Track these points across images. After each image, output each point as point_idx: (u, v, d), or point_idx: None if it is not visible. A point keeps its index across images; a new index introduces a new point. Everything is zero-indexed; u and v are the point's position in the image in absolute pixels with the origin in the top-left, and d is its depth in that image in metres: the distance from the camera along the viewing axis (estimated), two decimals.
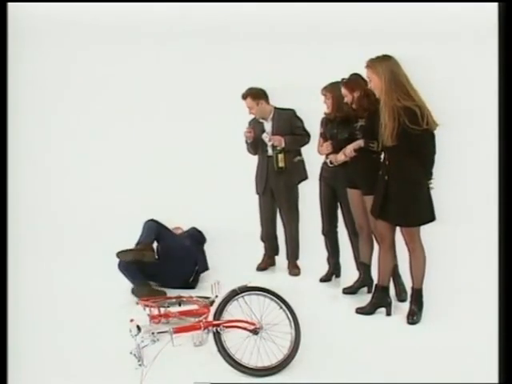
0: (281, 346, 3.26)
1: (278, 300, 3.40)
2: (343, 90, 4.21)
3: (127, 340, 3.08)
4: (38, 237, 5.91)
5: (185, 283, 4.63)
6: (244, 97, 4.94)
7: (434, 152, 3.81)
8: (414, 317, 3.86)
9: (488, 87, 5.47)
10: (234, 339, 3.22)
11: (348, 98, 4.18)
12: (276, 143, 4.83)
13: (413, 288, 3.91)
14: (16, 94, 5.24)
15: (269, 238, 5.14)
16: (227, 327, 3.21)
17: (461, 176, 6.42)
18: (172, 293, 4.32)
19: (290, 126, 4.89)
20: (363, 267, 4.44)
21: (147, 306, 3.78)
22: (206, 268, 4.86)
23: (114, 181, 6.73)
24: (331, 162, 4.46)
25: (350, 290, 4.46)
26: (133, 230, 4.82)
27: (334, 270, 4.82)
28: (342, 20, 6.48)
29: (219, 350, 3.16)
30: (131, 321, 3.12)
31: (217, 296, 3.51)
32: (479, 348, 3.42)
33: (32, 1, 6.47)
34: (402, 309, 4.05)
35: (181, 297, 4.04)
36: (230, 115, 5.31)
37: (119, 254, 4.45)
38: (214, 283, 3.59)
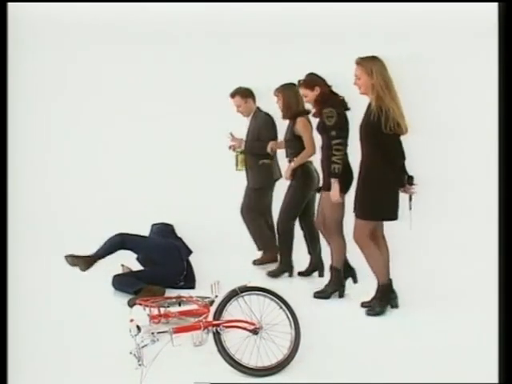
0: (281, 346, 3.26)
1: (277, 300, 3.40)
2: (303, 90, 4.34)
3: (127, 340, 3.08)
4: (37, 237, 5.91)
5: (179, 276, 4.63)
6: (233, 95, 5.14)
7: (402, 156, 3.94)
8: (371, 310, 3.99)
9: (488, 87, 5.47)
10: (234, 339, 3.22)
11: (309, 98, 4.31)
12: (236, 144, 5.11)
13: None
14: (16, 93, 5.24)
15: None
16: (227, 327, 3.21)
17: (461, 176, 6.43)
18: (172, 293, 4.32)
19: (259, 132, 5.05)
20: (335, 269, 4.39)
21: (147, 306, 3.78)
22: (189, 252, 4.84)
23: (113, 181, 6.73)
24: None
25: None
26: (132, 230, 4.82)
27: (314, 268, 4.89)
28: (339, 19, 6.50)
29: (219, 350, 3.16)
30: (131, 321, 3.12)
31: (216, 296, 3.50)
32: (479, 348, 3.42)
33: (32, 1, 6.46)
34: (400, 311, 4.06)
35: (180, 297, 4.03)
36: (229, 115, 5.34)
37: (65, 256, 4.50)
38: (214, 283, 3.59)
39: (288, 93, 4.66)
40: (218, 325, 3.18)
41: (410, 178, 3.98)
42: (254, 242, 5.25)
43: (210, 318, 3.24)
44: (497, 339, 3.22)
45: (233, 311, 3.28)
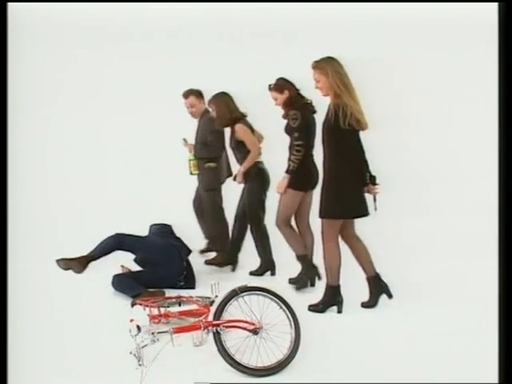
0: (281, 346, 3.26)
1: (277, 300, 3.40)
2: (273, 94, 4.50)
3: (127, 340, 3.08)
4: (37, 237, 5.91)
5: (179, 276, 4.63)
6: (186, 95, 5.21)
7: (362, 153, 3.96)
8: (315, 306, 4.07)
9: (488, 87, 5.48)
10: (234, 339, 3.22)
11: (278, 101, 4.47)
12: (188, 149, 5.24)
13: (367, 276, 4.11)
14: (16, 93, 5.24)
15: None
16: (227, 327, 3.21)
17: (461, 176, 6.44)
18: (172, 293, 4.32)
19: (205, 135, 5.13)
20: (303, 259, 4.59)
21: (147, 306, 3.78)
22: (189, 252, 4.86)
23: (113, 181, 6.73)
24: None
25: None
26: (132, 230, 4.82)
27: (267, 266, 4.95)
28: (336, 19, 6.51)
29: (219, 350, 3.15)
30: (131, 321, 3.12)
31: (216, 296, 3.50)
32: (479, 348, 3.42)
33: (32, 1, 6.46)
34: (399, 308, 4.06)
35: (181, 297, 4.04)
36: None
37: (57, 260, 4.51)
38: (214, 283, 3.59)
39: (219, 102, 4.86)
40: (218, 325, 3.18)
41: (373, 178, 4.01)
42: (210, 242, 5.38)
43: (210, 318, 3.24)
44: (497, 339, 3.23)
45: (233, 311, 3.28)
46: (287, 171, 4.35)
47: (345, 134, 3.81)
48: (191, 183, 5.53)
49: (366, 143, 3.99)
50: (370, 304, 4.09)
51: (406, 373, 3.16)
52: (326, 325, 3.83)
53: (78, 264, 4.51)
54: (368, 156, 4.02)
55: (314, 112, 4.50)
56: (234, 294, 3.29)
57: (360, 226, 4.11)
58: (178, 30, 6.86)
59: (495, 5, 3.89)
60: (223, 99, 4.88)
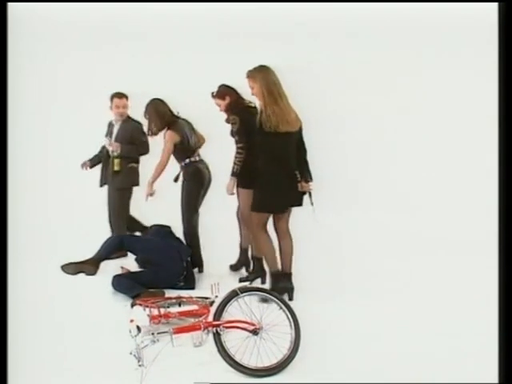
0: (281, 347, 3.26)
1: (277, 300, 3.41)
2: (216, 101, 4.74)
3: (127, 340, 3.08)
4: (37, 237, 5.91)
5: (179, 276, 4.64)
6: (121, 96, 5.37)
7: (291, 154, 4.20)
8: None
9: (488, 87, 5.48)
10: (234, 340, 3.22)
11: (221, 107, 4.71)
12: (113, 148, 5.31)
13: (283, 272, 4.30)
14: (16, 93, 5.24)
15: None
16: (227, 328, 3.21)
17: (461, 177, 6.44)
18: (172, 293, 4.32)
19: (131, 135, 5.33)
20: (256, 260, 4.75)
21: (147, 306, 3.78)
22: (189, 252, 4.88)
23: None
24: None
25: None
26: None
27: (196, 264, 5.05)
28: (333, 18, 6.53)
29: (219, 351, 3.16)
30: (131, 321, 3.12)
31: (216, 296, 3.50)
32: (479, 348, 3.42)
33: (32, 1, 6.45)
34: (399, 308, 4.06)
35: (181, 297, 4.04)
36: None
37: (63, 267, 4.66)
38: (214, 284, 3.59)
39: (149, 109, 5.01)
40: (218, 325, 3.19)
41: (305, 176, 4.26)
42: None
43: (210, 318, 3.25)
44: (497, 339, 3.23)
45: (233, 312, 3.28)
46: (232, 173, 4.54)
47: (269, 136, 4.09)
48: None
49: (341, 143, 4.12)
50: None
51: (405, 373, 3.16)
52: (326, 325, 3.83)
53: (90, 266, 4.65)
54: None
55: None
56: (234, 295, 3.30)
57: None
58: (178, 30, 6.85)
59: (495, 5, 3.89)
60: (153, 106, 5.02)
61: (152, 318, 3.68)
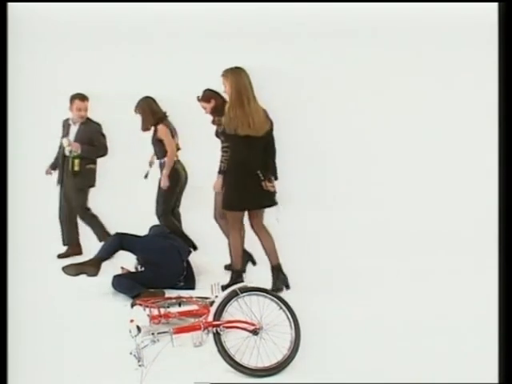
0: (281, 347, 3.26)
1: (277, 300, 3.41)
2: (201, 104, 4.99)
3: (127, 340, 3.08)
4: (37, 237, 5.91)
5: (179, 277, 4.64)
6: (83, 98, 5.44)
7: (255, 156, 4.33)
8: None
9: (488, 87, 5.48)
10: (234, 340, 3.22)
11: (207, 109, 4.98)
12: (74, 149, 5.36)
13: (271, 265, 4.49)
14: (16, 93, 5.24)
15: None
16: (227, 328, 3.21)
17: (461, 177, 6.44)
18: (172, 293, 4.32)
19: (91, 137, 5.42)
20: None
21: (147, 306, 3.78)
22: (189, 252, 4.90)
23: (113, 182, 6.72)
24: None
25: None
26: (132, 231, 4.82)
27: None
28: (331, 18, 6.54)
29: (219, 351, 3.16)
30: (131, 321, 3.12)
31: (216, 296, 3.50)
32: (479, 348, 3.42)
33: (32, 1, 6.45)
34: (399, 308, 4.06)
35: (181, 297, 4.04)
36: None
37: (64, 268, 4.67)
38: (214, 284, 3.59)
39: (145, 106, 5.30)
40: (218, 325, 3.18)
41: (268, 176, 4.40)
42: (62, 237, 5.59)
43: (210, 318, 3.24)
44: (497, 339, 3.23)
45: (233, 312, 3.28)
46: (219, 171, 4.63)
47: (230, 138, 4.32)
48: (191, 183, 5.54)
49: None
50: (277, 287, 4.40)
51: (405, 373, 3.16)
52: (326, 325, 3.83)
53: (91, 267, 4.64)
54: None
55: None
56: (234, 295, 3.30)
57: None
58: (178, 30, 6.85)
59: (495, 5, 3.89)
60: (147, 103, 5.32)
61: (152, 317, 3.68)
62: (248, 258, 4.98)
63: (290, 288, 4.46)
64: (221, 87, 4.59)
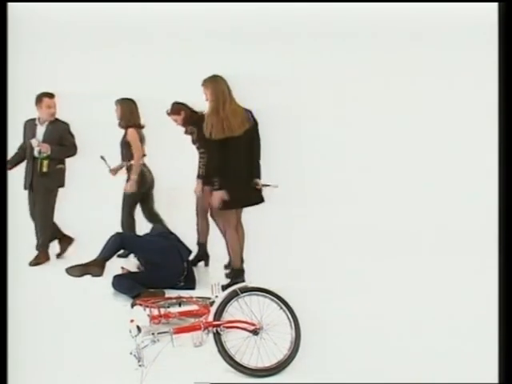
0: (281, 347, 3.26)
1: (278, 300, 3.40)
2: (172, 117, 5.21)
3: (127, 340, 3.07)
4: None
5: (180, 277, 4.63)
6: (52, 96, 5.34)
7: (217, 158, 4.49)
8: None
9: (488, 87, 5.48)
10: (234, 340, 3.22)
11: (178, 121, 5.19)
12: (43, 150, 5.27)
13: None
14: (16, 93, 5.24)
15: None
16: (227, 328, 3.21)
17: (461, 177, 6.44)
18: (172, 293, 4.32)
19: (60, 137, 5.33)
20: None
21: (147, 306, 3.78)
22: (189, 252, 4.90)
23: (113, 182, 6.72)
24: None
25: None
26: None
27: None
28: (331, 18, 6.54)
29: (219, 351, 3.16)
30: (131, 321, 3.12)
31: (217, 296, 3.50)
32: (479, 348, 3.42)
33: (32, 1, 6.46)
34: (399, 308, 4.06)
35: (181, 297, 4.03)
36: None
37: (68, 270, 4.63)
38: (214, 284, 3.58)
39: (125, 106, 5.40)
40: (218, 325, 3.18)
41: (254, 175, 4.52)
42: (37, 240, 5.43)
43: (211, 318, 3.24)
44: (497, 339, 3.23)
45: (233, 312, 3.28)
46: (198, 176, 5.02)
47: (209, 142, 4.45)
48: (189, 184, 5.54)
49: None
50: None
51: (405, 373, 3.16)
52: (326, 325, 3.83)
53: (96, 267, 4.61)
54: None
55: None
56: (234, 295, 3.30)
57: None
58: (178, 30, 6.85)
59: (495, 5, 3.89)
60: (128, 104, 5.42)
61: (152, 318, 3.68)
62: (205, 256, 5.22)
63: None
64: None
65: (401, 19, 6.37)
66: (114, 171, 5.56)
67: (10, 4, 4.23)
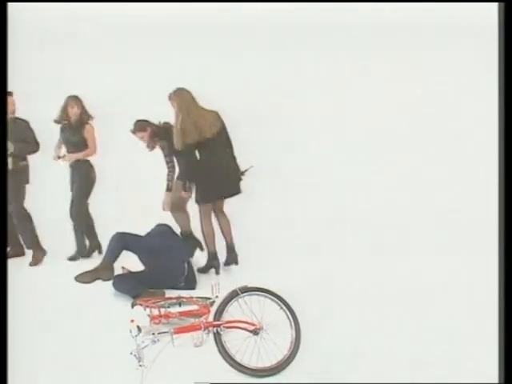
0: (281, 347, 3.26)
1: (278, 300, 3.41)
2: (138, 134, 5.24)
3: (127, 340, 3.08)
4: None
5: (180, 277, 4.64)
6: (10, 94, 5.20)
7: (187, 164, 4.87)
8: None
9: (488, 87, 5.48)
10: (235, 340, 3.22)
11: (144, 137, 5.21)
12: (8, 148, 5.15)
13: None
14: (16, 93, 5.24)
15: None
16: (227, 328, 3.21)
17: (461, 177, 6.44)
18: (172, 293, 4.31)
19: (22, 134, 5.29)
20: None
21: (147, 306, 3.78)
22: (190, 252, 4.93)
23: (113, 182, 6.72)
24: None
25: None
26: (133, 231, 4.82)
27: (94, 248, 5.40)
28: (331, 18, 6.55)
29: (219, 351, 3.16)
30: (132, 321, 3.12)
31: (217, 296, 3.50)
32: (479, 348, 3.42)
33: (32, 1, 6.46)
34: (400, 308, 4.06)
35: (181, 297, 4.02)
36: None
37: (77, 277, 4.66)
38: (214, 284, 3.58)
39: (78, 102, 5.37)
40: (218, 325, 3.19)
41: (230, 168, 4.82)
42: (23, 241, 5.40)
43: (211, 318, 3.25)
44: (497, 339, 3.23)
45: (233, 312, 3.28)
46: (167, 189, 5.16)
47: (185, 149, 4.73)
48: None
49: None
50: (228, 262, 4.96)
51: (405, 373, 3.16)
52: (326, 325, 3.83)
53: (105, 271, 4.64)
54: None
55: None
56: (234, 295, 3.30)
57: None
58: (178, 30, 6.85)
59: (495, 5, 3.89)
60: (81, 101, 5.41)
61: (152, 318, 3.67)
62: (197, 243, 5.20)
63: (238, 264, 4.94)
64: (218, 90, 4.66)
65: (401, 19, 6.38)
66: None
67: (9, 4, 4.23)
